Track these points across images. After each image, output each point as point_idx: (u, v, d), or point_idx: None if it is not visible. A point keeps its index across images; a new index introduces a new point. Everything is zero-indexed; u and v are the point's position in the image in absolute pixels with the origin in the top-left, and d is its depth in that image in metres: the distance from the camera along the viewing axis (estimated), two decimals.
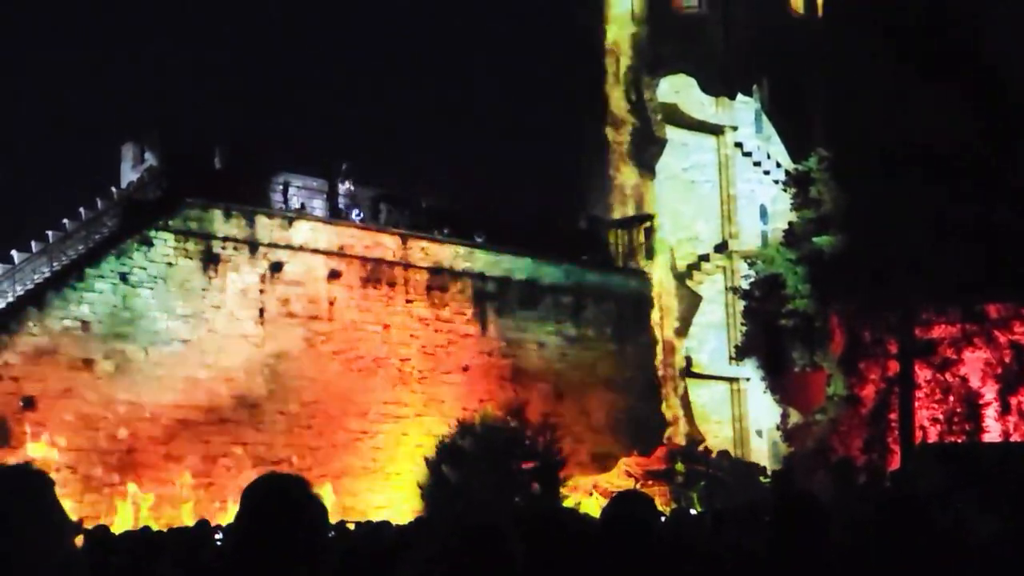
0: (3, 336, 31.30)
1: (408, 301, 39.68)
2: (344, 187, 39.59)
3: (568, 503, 33.74)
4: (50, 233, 36.70)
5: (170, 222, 35.02)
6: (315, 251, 37.88)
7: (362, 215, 39.97)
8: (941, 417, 33.40)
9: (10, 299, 33.83)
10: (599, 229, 47.61)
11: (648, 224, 47.49)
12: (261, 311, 36.37)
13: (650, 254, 47.07)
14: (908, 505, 5.85)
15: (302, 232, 37.73)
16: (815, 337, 36.62)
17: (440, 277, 40.60)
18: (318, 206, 39.93)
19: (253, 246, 36.59)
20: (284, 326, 36.73)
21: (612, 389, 43.62)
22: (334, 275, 38.07)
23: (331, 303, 37.91)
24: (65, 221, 37.19)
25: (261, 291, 36.53)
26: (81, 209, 37.51)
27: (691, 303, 48.10)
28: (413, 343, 39.46)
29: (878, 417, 34.26)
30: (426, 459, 36.73)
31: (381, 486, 37.28)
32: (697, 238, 50.31)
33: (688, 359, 47.59)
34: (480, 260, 41.81)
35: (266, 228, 37.03)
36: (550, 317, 43.11)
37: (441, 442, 36.72)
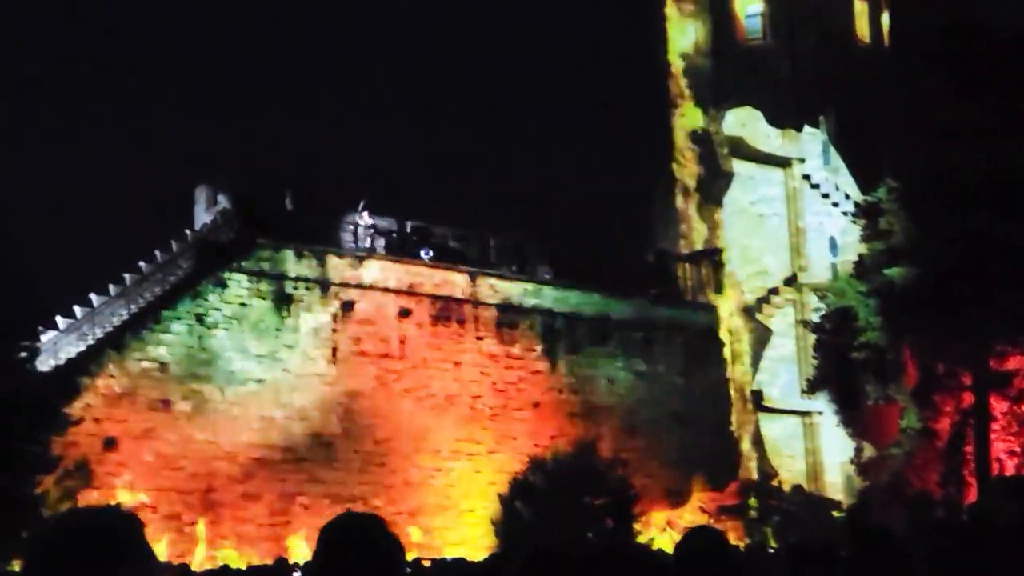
0: (84, 379, 31.93)
1: (478, 338, 39.91)
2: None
3: (641, 539, 33.68)
4: (127, 276, 37.40)
5: (243, 263, 35.59)
6: (386, 290, 38.26)
7: (431, 253, 40.32)
8: (1018, 449, 32.97)
9: (90, 342, 34.51)
10: (667, 263, 47.56)
11: (717, 258, 47.38)
12: (334, 350, 36.79)
13: (719, 288, 46.95)
14: (985, 539, 5.90)
15: (372, 271, 38.15)
16: (888, 370, 36.35)
17: (509, 314, 40.79)
18: (388, 245, 40.28)
19: (325, 285, 37.05)
20: (356, 364, 37.10)
21: (683, 424, 43.46)
22: (404, 313, 38.41)
23: (402, 341, 38.24)
24: (141, 264, 37.89)
25: (333, 330, 36.95)
26: (156, 252, 38.20)
27: (761, 337, 47.86)
28: (484, 380, 39.65)
29: (953, 450, 33.88)
30: (499, 496, 36.81)
31: (455, 523, 37.41)
32: (766, 271, 50.06)
33: (759, 393, 47.29)
34: (549, 296, 41.96)
35: (337, 268, 37.49)
36: (619, 352, 43.09)
37: (513, 478, 36.79)
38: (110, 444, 31.67)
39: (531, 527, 34.30)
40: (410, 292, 38.73)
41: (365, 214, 39.92)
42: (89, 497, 30.21)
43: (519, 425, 39.94)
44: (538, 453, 37.90)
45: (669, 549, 9.51)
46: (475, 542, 35.98)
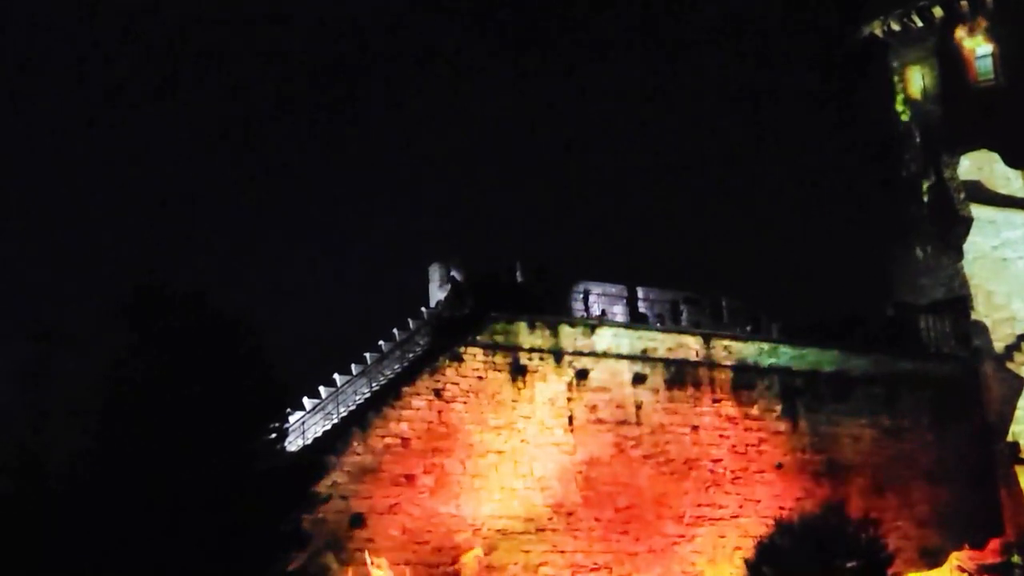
0: (331, 457, 32.83)
1: (715, 401, 39.39)
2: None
3: None
4: (368, 355, 38.44)
5: (478, 337, 36.14)
6: (619, 356, 38.22)
7: (662, 317, 40.17)
8: None
9: (335, 420, 35.53)
10: (908, 315, 46.10)
11: (960, 307, 45.69)
12: (570, 418, 36.87)
13: (965, 338, 45.21)
14: None
15: (605, 339, 38.17)
16: None
17: (746, 375, 40.14)
18: (619, 312, 40.36)
19: (558, 355, 37.26)
20: (593, 432, 37.08)
21: (936, 480, 41.80)
22: (639, 379, 38.25)
23: (638, 407, 38.05)
24: (381, 343, 38.90)
25: (568, 399, 37.07)
26: (395, 330, 39.18)
27: (1013, 386, 45.73)
28: (723, 443, 39.05)
29: None
30: (746, 561, 36.04)
31: None
32: (1015, 318, 47.92)
33: (1016, 445, 45.09)
34: (785, 355, 41.14)
35: (569, 337, 37.68)
36: (863, 409, 41.84)
37: (759, 542, 35.97)
38: (357, 520, 32.41)
39: None
40: (644, 358, 38.58)
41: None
42: (344, 574, 30.96)
43: (762, 488, 39.12)
44: (783, 516, 37.01)
45: None
46: None
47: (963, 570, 36.91)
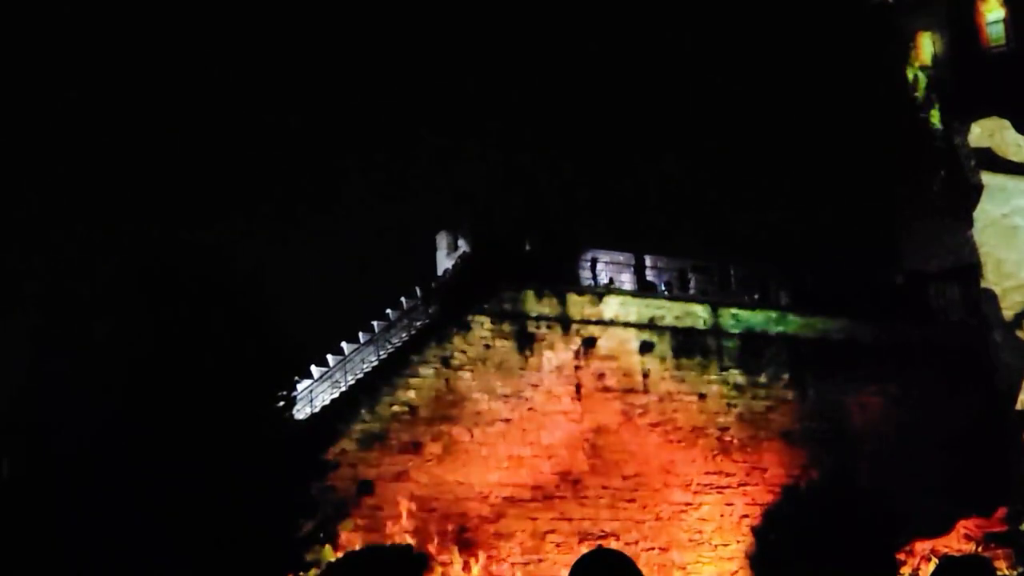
0: (340, 424, 32.94)
1: (723, 369, 39.36)
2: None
3: (905, 570, 32.45)
4: (375, 323, 38.47)
5: (486, 306, 36.14)
6: (626, 324, 38.19)
7: (670, 285, 40.11)
8: None
9: (343, 388, 35.61)
10: (917, 284, 45.96)
11: (970, 275, 45.53)
12: (577, 387, 36.89)
13: (975, 306, 45.07)
14: None
15: (612, 307, 38.14)
16: None
17: (754, 343, 40.10)
18: (626, 279, 40.29)
19: (566, 324, 37.24)
20: (600, 400, 37.10)
21: (944, 448, 41.77)
22: (646, 347, 38.23)
23: (646, 375, 38.04)
24: (388, 311, 38.92)
25: (576, 367, 37.07)
26: (402, 299, 39.18)
27: (1022, 354, 45.61)
28: (731, 411, 39.05)
29: None
30: (753, 529, 36.10)
31: (709, 557, 36.87)
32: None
33: None
34: (794, 323, 41.08)
35: (577, 305, 37.65)
36: (871, 377, 41.77)
37: (767, 511, 36.02)
38: (365, 487, 32.52)
39: (788, 561, 33.48)
40: (651, 326, 38.55)
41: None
42: (352, 540, 31.09)
43: (770, 456, 39.14)
44: (792, 484, 37.03)
45: None
46: None
47: (970, 538, 36.90)
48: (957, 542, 36.49)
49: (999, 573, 33.15)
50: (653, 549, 34.97)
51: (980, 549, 33.72)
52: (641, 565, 4.18)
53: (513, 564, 33.95)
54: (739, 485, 38.23)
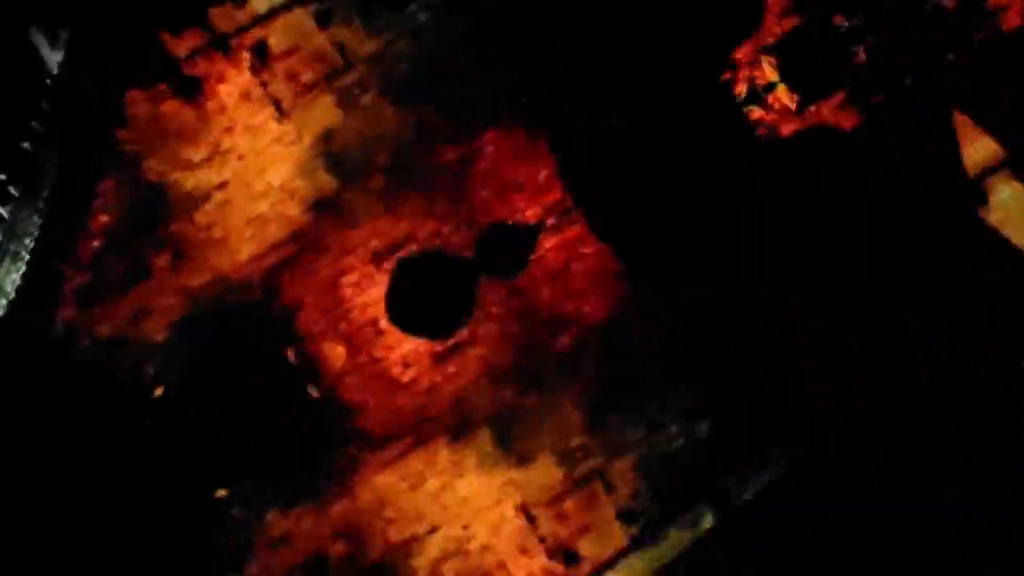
0: None
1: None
2: None
3: (740, 89, 27.92)
4: None
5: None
6: (289, 5, 31.77)
7: None
8: None
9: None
10: None
11: None
12: (276, 104, 30.68)
13: None
14: None
15: None
16: None
17: None
18: None
19: (222, 44, 30.63)
20: (311, 103, 31.07)
21: None
22: (324, 18, 32.02)
23: (341, 48, 31.96)
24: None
25: (262, 84, 30.76)
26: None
27: None
28: None
29: None
30: None
31: None
32: None
33: None
34: None
35: (223, 17, 30.95)
36: None
37: None
38: None
39: None
40: None
41: None
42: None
43: None
44: None
45: None
46: None
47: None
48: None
49: (769, 79, 29.04)
50: None
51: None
52: None
53: None
54: None
